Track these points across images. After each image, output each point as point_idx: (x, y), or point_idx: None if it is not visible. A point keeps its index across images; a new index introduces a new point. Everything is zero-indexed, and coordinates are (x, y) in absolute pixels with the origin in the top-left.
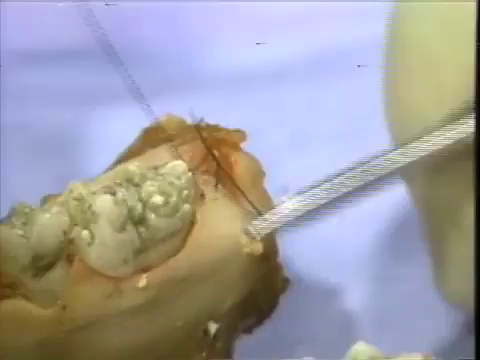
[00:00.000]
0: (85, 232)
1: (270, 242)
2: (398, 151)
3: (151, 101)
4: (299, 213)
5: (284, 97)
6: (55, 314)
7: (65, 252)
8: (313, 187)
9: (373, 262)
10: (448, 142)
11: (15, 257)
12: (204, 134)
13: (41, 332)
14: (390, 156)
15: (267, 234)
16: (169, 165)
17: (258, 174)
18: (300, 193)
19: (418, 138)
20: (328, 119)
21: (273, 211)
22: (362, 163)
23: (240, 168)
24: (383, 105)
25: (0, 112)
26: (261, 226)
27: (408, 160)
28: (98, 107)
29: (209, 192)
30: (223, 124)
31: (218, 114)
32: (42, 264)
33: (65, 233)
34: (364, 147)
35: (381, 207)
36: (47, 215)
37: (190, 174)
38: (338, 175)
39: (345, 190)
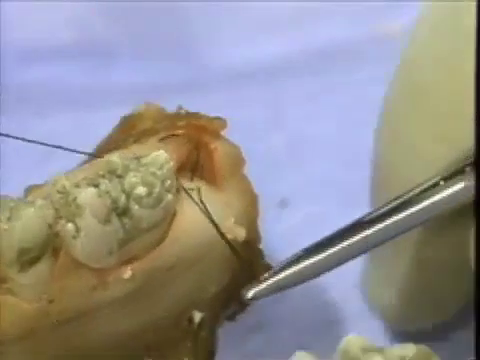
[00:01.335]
0: (70, 225)
1: (252, 228)
2: (399, 217)
3: (149, 100)
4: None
5: (283, 95)
6: (42, 308)
7: (50, 245)
8: (312, 253)
9: None
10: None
11: (0, 252)
12: (184, 122)
13: (28, 326)
14: (390, 222)
15: (249, 220)
16: (151, 156)
17: (238, 161)
18: (298, 259)
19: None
20: (327, 118)
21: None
22: (361, 228)
23: (219, 155)
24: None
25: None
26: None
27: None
28: (99, 108)
29: (185, 183)
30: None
31: (217, 113)
32: (28, 258)
33: (50, 226)
34: (362, 145)
35: None
36: (32, 209)
37: (172, 164)
38: (338, 239)
39: (345, 256)
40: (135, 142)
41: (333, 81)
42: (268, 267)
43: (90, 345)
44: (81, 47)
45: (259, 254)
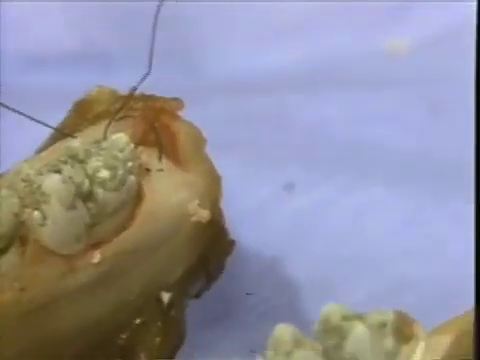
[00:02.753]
0: (36, 213)
1: (216, 208)
2: None
3: None
4: None
5: (284, 107)
6: (14, 297)
7: (17, 235)
8: None
9: None
10: None
11: None
12: (140, 104)
13: (1, 316)
14: None
15: (212, 200)
16: (111, 138)
17: (200, 142)
18: None
19: None
20: (330, 131)
21: None
22: None
23: (182, 137)
24: None
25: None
26: None
27: None
28: None
29: (154, 164)
30: (229, 135)
31: (216, 123)
32: None
33: (16, 215)
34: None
35: None
36: None
37: (132, 145)
38: None
39: None
40: (90, 125)
41: (335, 94)
42: (233, 243)
43: (61, 331)
44: (82, 54)
45: (224, 232)
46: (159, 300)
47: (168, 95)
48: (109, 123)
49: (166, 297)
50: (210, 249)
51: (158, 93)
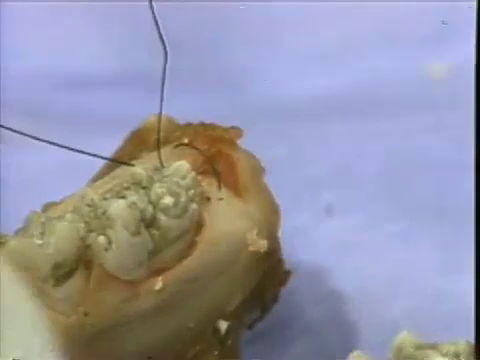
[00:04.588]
0: (102, 237)
1: (273, 238)
2: None
3: None
4: None
5: (328, 132)
6: (78, 321)
7: (82, 259)
8: None
9: None
10: None
11: (37, 267)
12: (199, 132)
13: (65, 340)
14: None
15: (271, 230)
16: (173, 166)
17: (258, 171)
18: None
19: None
20: (370, 156)
21: None
22: None
23: (241, 167)
24: None
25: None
26: None
27: None
28: None
29: (214, 193)
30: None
31: (260, 146)
32: (62, 272)
33: (82, 239)
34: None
35: None
36: (64, 223)
37: (194, 173)
38: None
39: None
40: (148, 152)
41: (376, 119)
42: (289, 274)
43: (121, 357)
44: (126, 77)
45: (280, 262)
46: (216, 329)
47: (211, 118)
48: (159, 151)
49: (224, 326)
50: (266, 279)
51: (202, 117)
